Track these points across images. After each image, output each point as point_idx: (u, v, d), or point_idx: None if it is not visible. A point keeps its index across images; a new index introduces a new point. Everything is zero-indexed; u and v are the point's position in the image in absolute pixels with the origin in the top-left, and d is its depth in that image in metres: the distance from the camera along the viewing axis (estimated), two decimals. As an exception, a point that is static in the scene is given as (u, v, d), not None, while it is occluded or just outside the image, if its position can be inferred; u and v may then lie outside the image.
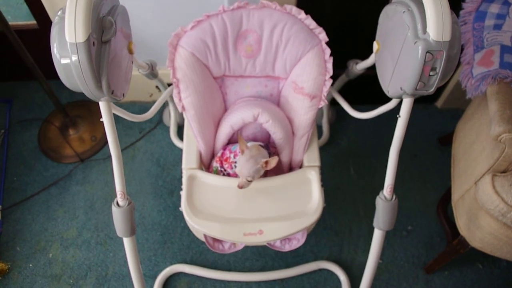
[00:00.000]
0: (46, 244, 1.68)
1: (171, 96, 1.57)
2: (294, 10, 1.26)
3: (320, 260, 1.64)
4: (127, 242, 1.21)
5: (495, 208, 1.15)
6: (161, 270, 1.61)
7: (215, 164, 1.39)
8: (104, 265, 1.63)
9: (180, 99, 1.31)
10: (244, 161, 1.22)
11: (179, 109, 1.32)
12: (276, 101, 1.44)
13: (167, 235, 1.69)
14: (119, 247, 1.66)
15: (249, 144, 1.29)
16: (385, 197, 1.19)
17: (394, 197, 1.19)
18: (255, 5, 1.25)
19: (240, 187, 1.24)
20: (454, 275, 1.63)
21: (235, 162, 1.32)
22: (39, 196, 1.78)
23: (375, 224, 1.23)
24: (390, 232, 1.22)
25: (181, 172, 1.37)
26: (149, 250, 1.66)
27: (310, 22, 1.28)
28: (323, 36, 1.29)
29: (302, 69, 1.31)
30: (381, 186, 1.20)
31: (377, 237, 1.24)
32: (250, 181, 1.24)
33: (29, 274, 1.61)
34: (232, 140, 1.44)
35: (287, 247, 1.35)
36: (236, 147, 1.34)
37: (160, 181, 1.82)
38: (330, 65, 1.30)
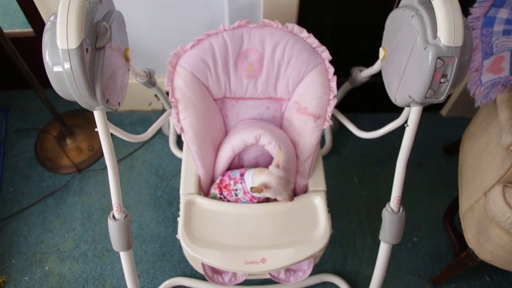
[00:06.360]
0: (42, 256, 1.65)
1: (169, 104, 1.54)
2: (296, 28, 1.25)
3: (323, 273, 1.60)
4: (123, 256, 1.18)
5: (506, 221, 1.13)
6: (159, 284, 1.57)
7: (213, 191, 1.34)
8: (101, 278, 1.60)
9: (178, 120, 1.28)
10: (281, 181, 1.18)
11: (178, 130, 1.29)
12: (279, 124, 1.41)
13: (166, 247, 1.66)
14: (116, 259, 1.63)
15: (249, 171, 1.26)
16: (392, 209, 1.15)
17: (401, 209, 1.15)
18: (256, 24, 1.24)
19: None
20: (462, 288, 1.60)
21: (236, 190, 1.27)
22: (35, 207, 1.76)
23: (381, 237, 1.19)
24: (395, 243, 1.19)
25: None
26: (147, 262, 1.63)
27: (312, 40, 1.26)
28: (326, 55, 1.27)
29: (305, 89, 1.28)
30: (386, 196, 1.17)
31: (383, 250, 1.21)
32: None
33: (24, 287, 1.58)
34: (232, 166, 1.39)
35: (292, 280, 1.32)
36: (236, 173, 1.29)
37: (159, 192, 1.79)
38: (334, 84, 1.28)
